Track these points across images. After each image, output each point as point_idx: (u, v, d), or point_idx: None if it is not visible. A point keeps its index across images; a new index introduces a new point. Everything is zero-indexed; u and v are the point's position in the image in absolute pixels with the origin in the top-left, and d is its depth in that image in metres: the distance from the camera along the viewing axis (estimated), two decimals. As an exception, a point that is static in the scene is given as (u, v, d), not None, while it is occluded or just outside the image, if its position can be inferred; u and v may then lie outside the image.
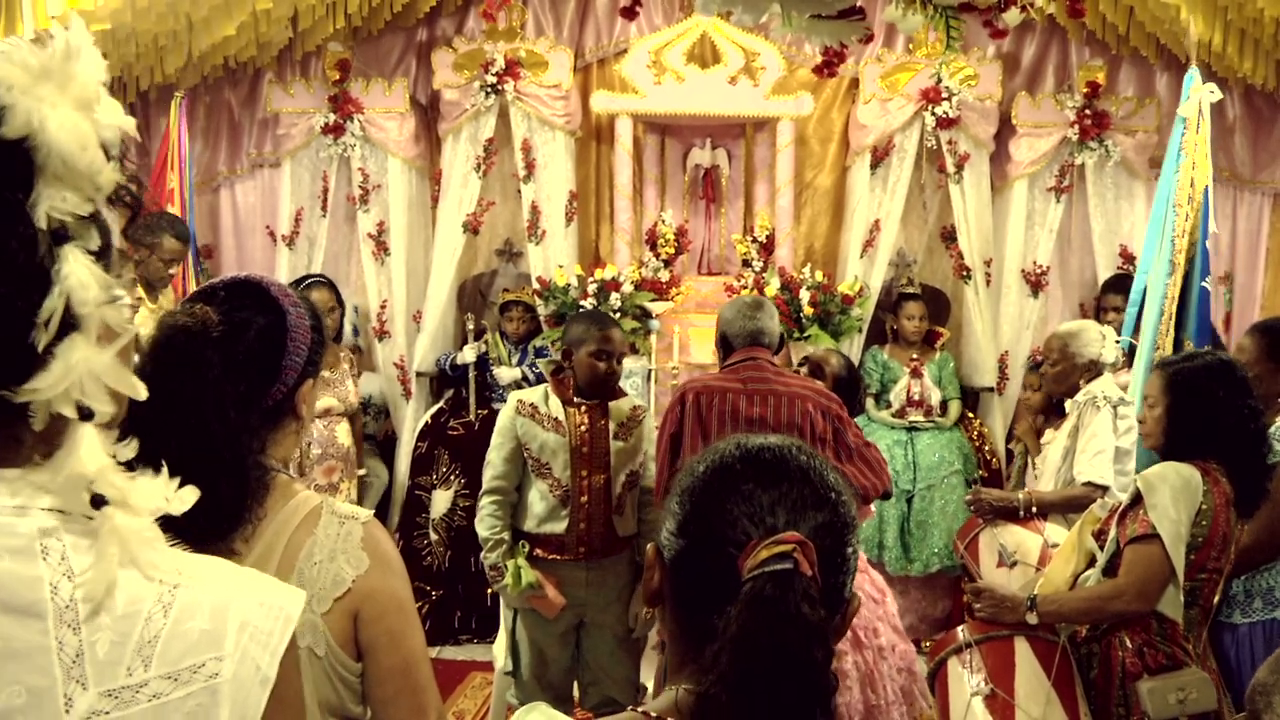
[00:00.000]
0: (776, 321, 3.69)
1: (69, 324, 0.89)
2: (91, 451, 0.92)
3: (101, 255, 0.92)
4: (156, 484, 0.97)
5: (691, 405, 3.54)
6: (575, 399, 3.82)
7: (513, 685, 3.95)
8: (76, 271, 0.89)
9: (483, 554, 3.82)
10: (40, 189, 0.87)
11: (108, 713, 0.88)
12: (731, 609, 1.04)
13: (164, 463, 0.99)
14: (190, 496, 0.98)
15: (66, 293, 0.88)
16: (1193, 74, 4.24)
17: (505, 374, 6.00)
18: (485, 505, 3.83)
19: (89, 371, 0.89)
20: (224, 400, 1.55)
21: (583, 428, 3.77)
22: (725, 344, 3.71)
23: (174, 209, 5.71)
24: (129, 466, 0.98)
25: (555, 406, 3.80)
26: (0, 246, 0.85)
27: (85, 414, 0.91)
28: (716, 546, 1.11)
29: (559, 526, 3.75)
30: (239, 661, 0.93)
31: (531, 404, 3.83)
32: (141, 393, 0.94)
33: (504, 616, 3.99)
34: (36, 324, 0.87)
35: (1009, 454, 5.98)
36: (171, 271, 5.07)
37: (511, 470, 3.82)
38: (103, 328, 0.91)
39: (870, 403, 6.14)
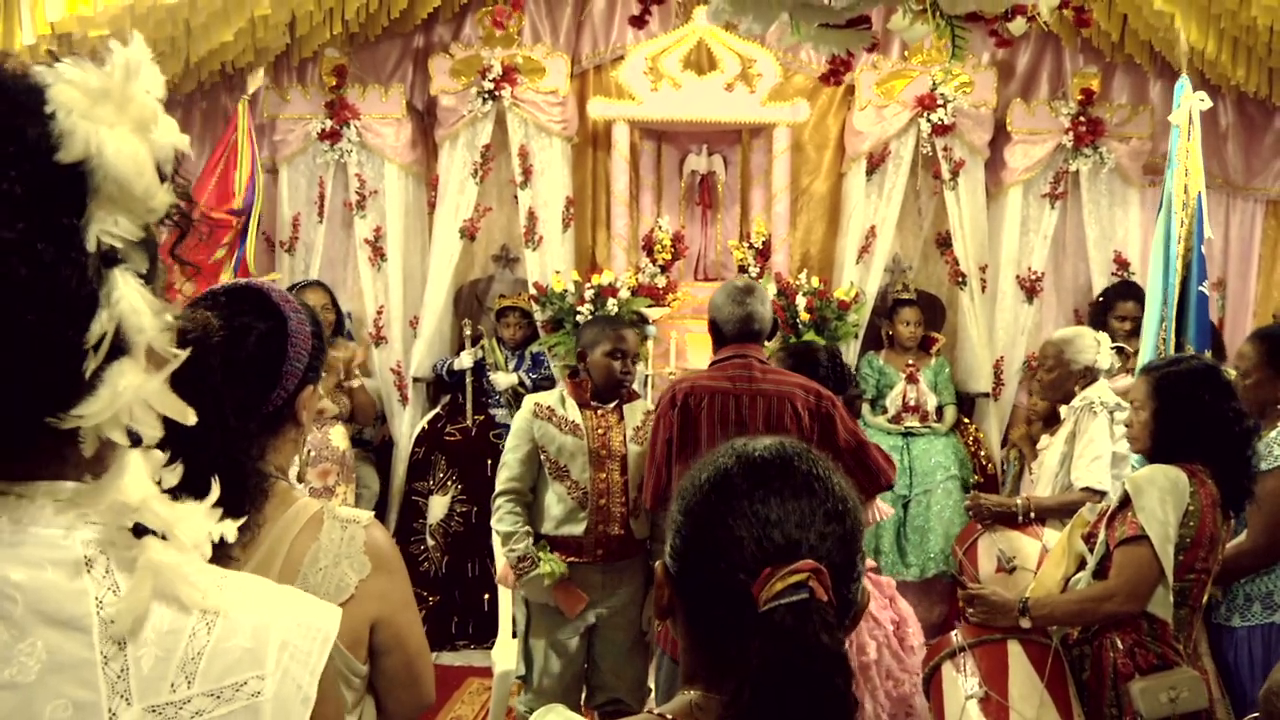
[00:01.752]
0: (769, 306, 3.55)
1: (117, 349, 0.88)
2: (136, 479, 0.92)
3: (149, 278, 0.91)
4: (199, 513, 0.97)
5: (681, 407, 3.45)
6: (592, 402, 3.84)
7: (520, 692, 3.96)
8: (128, 296, 0.87)
9: (507, 549, 3.83)
10: (93, 211, 0.86)
11: None
12: (750, 640, 1.04)
13: (208, 485, 0.99)
14: (233, 529, 0.99)
15: (117, 317, 0.87)
16: (1183, 82, 4.27)
17: (502, 380, 6.01)
18: (502, 504, 3.86)
19: (137, 397, 0.89)
20: (223, 406, 1.56)
21: (600, 430, 3.81)
22: (716, 331, 3.57)
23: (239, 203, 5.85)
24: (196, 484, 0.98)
25: (572, 409, 3.85)
26: (52, 272, 0.83)
27: (135, 440, 0.90)
28: (724, 568, 1.10)
29: (577, 529, 3.78)
30: (280, 680, 0.94)
31: (548, 407, 3.86)
32: (191, 418, 0.93)
33: (518, 619, 4.00)
34: (85, 349, 0.85)
35: (1004, 460, 5.99)
36: None
37: (527, 472, 3.85)
38: (149, 352, 0.91)
39: (866, 408, 6.15)
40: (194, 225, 0.97)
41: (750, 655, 1.03)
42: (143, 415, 0.90)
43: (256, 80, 6.04)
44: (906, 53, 6.32)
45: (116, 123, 0.88)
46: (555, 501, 3.82)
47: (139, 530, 0.92)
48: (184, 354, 0.94)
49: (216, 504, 1.55)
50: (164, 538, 0.93)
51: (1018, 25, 2.27)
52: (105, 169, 0.86)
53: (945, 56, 2.31)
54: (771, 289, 5.98)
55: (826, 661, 1.02)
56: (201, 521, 0.96)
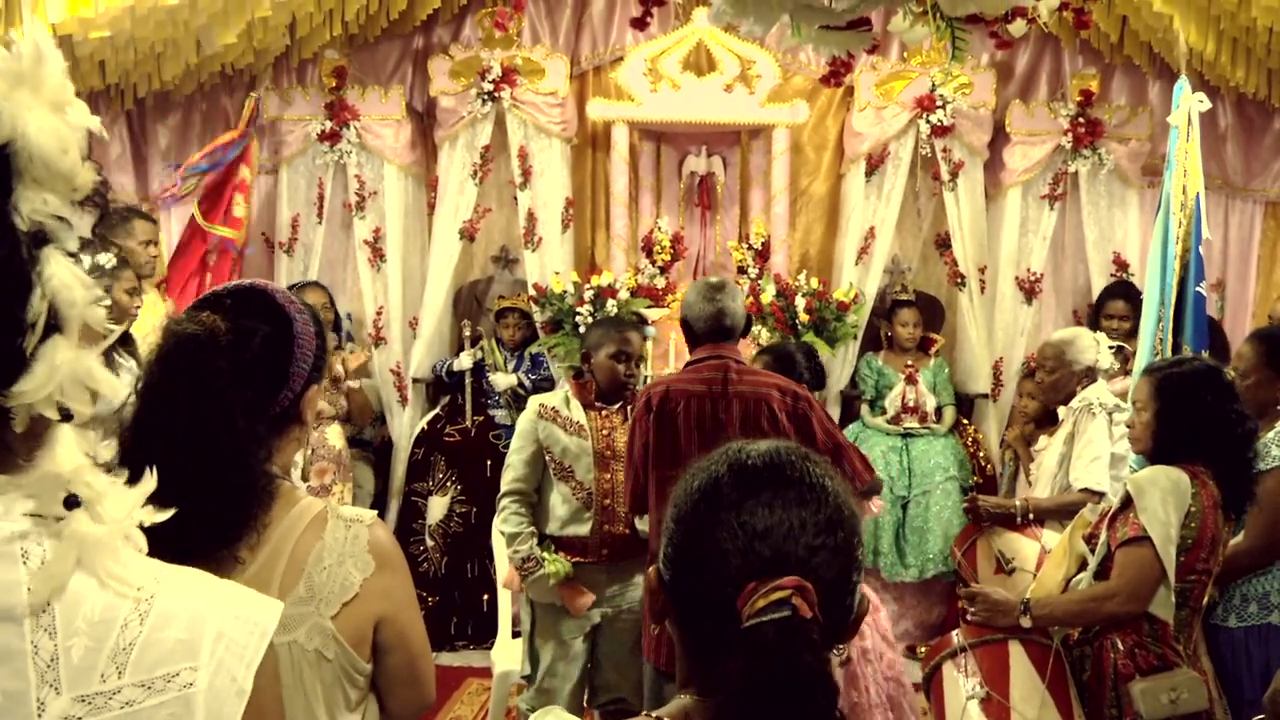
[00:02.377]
0: (740, 302, 3.47)
1: (51, 326, 0.89)
2: (69, 451, 0.92)
3: (76, 256, 0.93)
4: (131, 494, 0.96)
5: (656, 412, 3.38)
6: (596, 403, 3.85)
7: (522, 691, 3.97)
8: (59, 273, 0.89)
9: (512, 550, 3.84)
10: (20, 192, 0.88)
11: (80, 718, 0.88)
12: (732, 657, 1.03)
13: (150, 473, 0.99)
14: (159, 516, 0.98)
15: (50, 294, 0.88)
16: (1182, 83, 4.28)
17: (501, 380, 6.01)
18: (507, 505, 3.88)
19: (71, 373, 0.90)
20: (232, 408, 1.56)
21: (604, 431, 3.82)
22: (689, 330, 3.50)
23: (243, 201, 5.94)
24: (135, 475, 0.98)
25: (577, 410, 3.86)
26: None
27: (65, 415, 0.91)
28: (710, 580, 1.09)
29: (583, 529, 3.79)
30: (214, 672, 0.93)
31: (553, 408, 3.88)
32: (120, 392, 0.95)
33: (523, 619, 4.01)
34: (23, 327, 0.87)
35: (1001, 461, 6.00)
36: (152, 254, 5.09)
37: (531, 473, 3.87)
38: (83, 329, 0.92)
39: (865, 409, 6.17)
40: (109, 205, 0.98)
41: (733, 670, 1.02)
42: (75, 391, 0.91)
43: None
44: (906, 54, 6.33)
45: (34, 105, 0.89)
46: (560, 502, 3.84)
47: (70, 503, 0.92)
48: (118, 330, 0.95)
49: (218, 504, 1.56)
50: (90, 514, 0.93)
51: (1018, 27, 2.27)
52: (30, 149, 0.87)
53: (944, 58, 2.31)
54: (771, 290, 5.99)
55: (809, 679, 1.01)
56: (129, 501, 0.96)
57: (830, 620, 1.08)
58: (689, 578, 1.13)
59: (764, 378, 3.41)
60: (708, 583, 1.09)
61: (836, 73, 2.63)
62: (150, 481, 0.98)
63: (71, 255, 0.91)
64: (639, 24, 2.61)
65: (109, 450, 0.98)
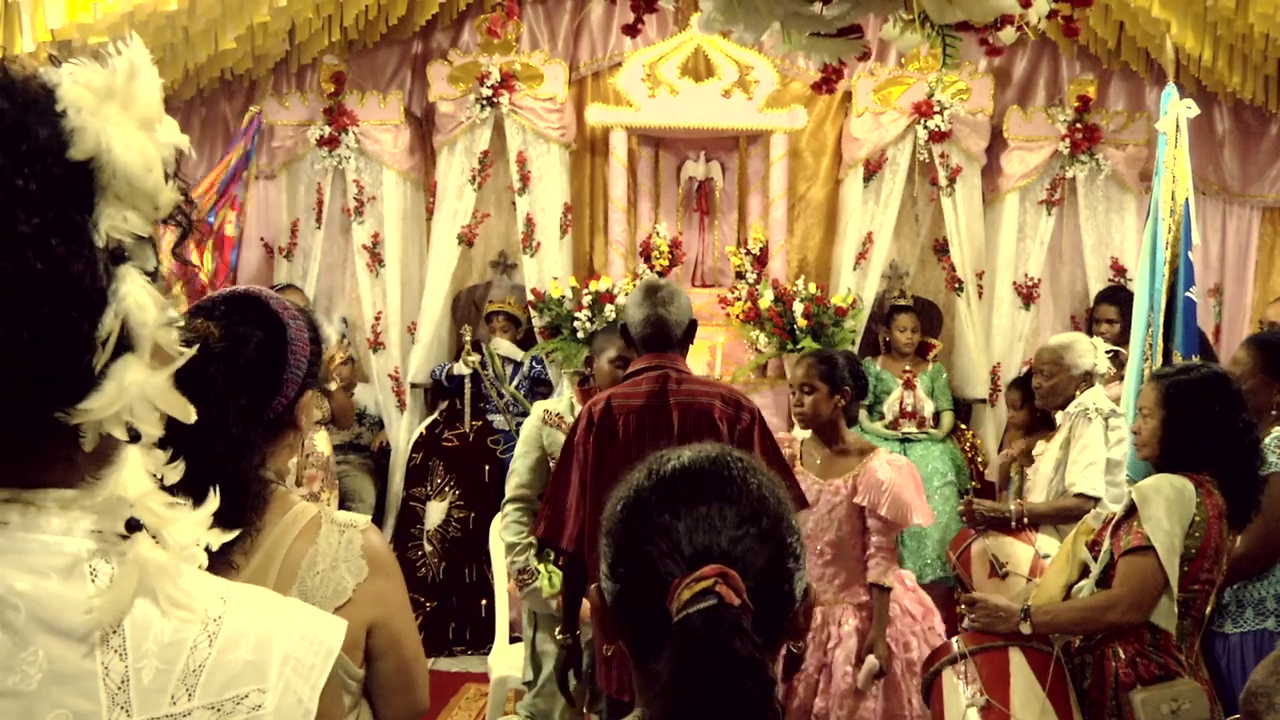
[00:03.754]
0: (682, 307, 3.20)
1: (123, 345, 0.88)
2: (135, 475, 0.92)
3: (155, 276, 0.92)
4: (194, 517, 0.96)
5: (598, 427, 3.17)
6: None
7: (522, 697, 3.97)
8: (134, 292, 0.88)
9: (509, 559, 3.85)
10: (102, 209, 0.87)
11: None
12: (664, 655, 1.01)
13: (214, 493, 0.99)
14: (225, 537, 0.98)
15: (124, 313, 0.87)
16: (1170, 90, 4.29)
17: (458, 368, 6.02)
18: (510, 512, 3.88)
19: (141, 393, 0.89)
20: (226, 415, 1.57)
21: None
22: (628, 338, 3.30)
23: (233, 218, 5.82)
24: (197, 495, 0.97)
25: None
26: (64, 268, 0.84)
27: (134, 436, 0.90)
28: (645, 590, 1.07)
29: None
30: (281, 694, 0.93)
31: (557, 414, 3.89)
32: (191, 416, 0.93)
33: (525, 625, 4.01)
34: (94, 344, 0.86)
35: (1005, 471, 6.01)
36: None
37: (536, 479, 3.86)
38: (154, 349, 0.91)
39: (863, 414, 6.17)
40: (195, 226, 0.98)
41: (663, 666, 1.01)
42: (144, 412, 0.90)
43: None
44: (904, 60, 6.34)
45: (122, 121, 0.88)
46: None
47: (132, 525, 0.92)
48: (190, 352, 0.94)
49: (220, 514, 1.56)
50: (155, 538, 0.92)
51: (1008, 34, 2.28)
52: (114, 166, 0.87)
53: (952, 63, 2.32)
54: (769, 295, 6.00)
55: (738, 667, 0.99)
56: (194, 526, 0.96)
57: (768, 610, 1.07)
58: (627, 591, 1.12)
59: (705, 387, 3.23)
60: (642, 592, 1.08)
61: (828, 79, 2.63)
62: (214, 501, 0.98)
63: (149, 275, 0.91)
64: (630, 30, 2.61)
65: (176, 472, 0.97)
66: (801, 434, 3.89)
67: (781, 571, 1.11)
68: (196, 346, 1.59)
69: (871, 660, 3.50)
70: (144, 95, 0.91)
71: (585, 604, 3.62)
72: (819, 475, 3.64)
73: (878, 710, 3.51)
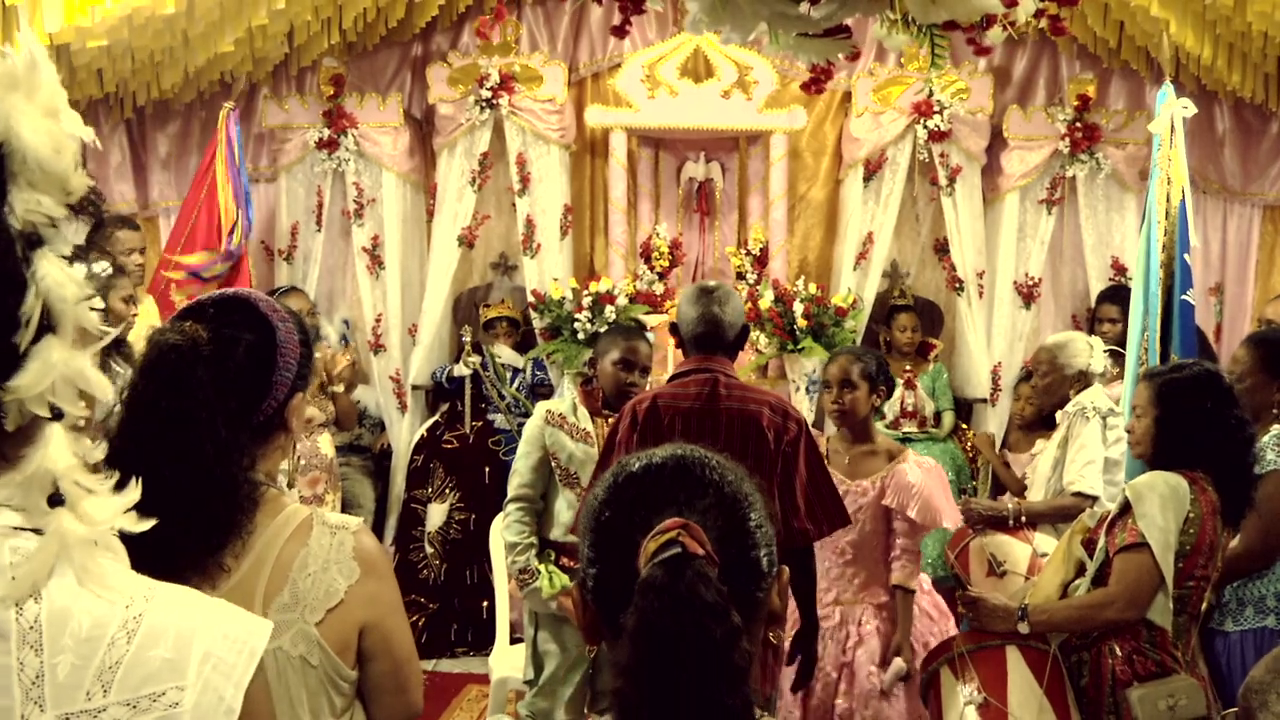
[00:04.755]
0: (735, 310, 3.19)
1: (45, 326, 0.90)
2: (59, 450, 0.93)
3: (72, 260, 0.94)
4: (116, 500, 0.97)
5: (642, 426, 3.13)
6: (603, 410, 3.87)
7: (523, 697, 3.97)
8: (52, 273, 0.90)
9: (510, 559, 3.87)
10: (15, 193, 0.89)
11: None
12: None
13: (135, 482, 0.99)
14: (140, 525, 0.98)
15: (44, 294, 0.89)
16: (1165, 90, 4.27)
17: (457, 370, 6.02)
18: (511, 512, 3.89)
19: (64, 373, 0.90)
20: (215, 418, 1.57)
21: None
22: (678, 336, 3.29)
23: (226, 216, 5.76)
24: (121, 484, 0.98)
25: (584, 418, 3.88)
26: None
27: (56, 414, 0.91)
28: (623, 570, 1.08)
29: None
30: (201, 691, 0.93)
31: (560, 414, 3.89)
32: (109, 393, 0.95)
33: (526, 625, 4.02)
34: (17, 324, 0.88)
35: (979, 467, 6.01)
36: (138, 262, 5.08)
37: (538, 479, 3.88)
38: (77, 330, 0.93)
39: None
40: (104, 214, 0.99)
41: (629, 618, 1.02)
42: (66, 391, 0.91)
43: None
44: (902, 59, 6.34)
45: (28, 109, 0.90)
46: (565, 508, 3.86)
47: (54, 502, 0.92)
48: (113, 332, 0.96)
49: (203, 512, 1.57)
50: (75, 514, 0.93)
51: (995, 34, 2.28)
52: (24, 151, 0.89)
53: (941, 62, 2.32)
54: (769, 296, 5.99)
55: (703, 613, 0.99)
56: (112, 507, 0.96)
57: (734, 569, 1.08)
58: (606, 575, 1.14)
59: (755, 394, 3.18)
60: (621, 573, 1.09)
61: (817, 80, 2.64)
62: (135, 490, 0.98)
63: (65, 258, 0.92)
64: (619, 31, 2.61)
65: (100, 452, 0.98)
66: (828, 430, 3.89)
67: (744, 533, 1.13)
68: (179, 356, 1.59)
69: (899, 663, 3.51)
70: (46, 85, 0.92)
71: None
72: (845, 474, 3.65)
73: (902, 711, 3.52)
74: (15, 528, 0.91)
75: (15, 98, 0.89)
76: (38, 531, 0.92)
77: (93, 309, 0.94)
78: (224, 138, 5.84)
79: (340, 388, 5.59)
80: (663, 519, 1.07)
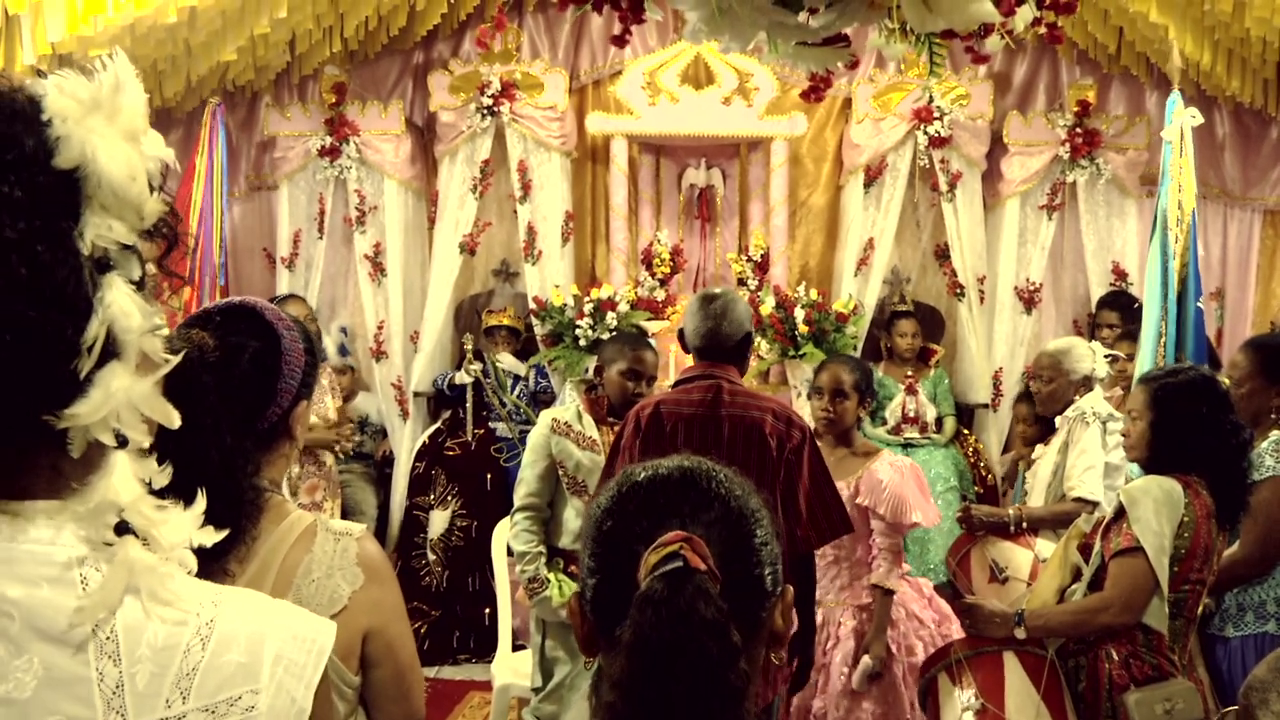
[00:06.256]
0: (740, 317, 3.17)
1: (109, 352, 0.90)
2: (124, 480, 0.93)
3: (140, 285, 0.94)
4: (185, 518, 0.98)
5: (645, 432, 3.14)
6: (608, 418, 3.88)
7: (532, 700, 3.98)
8: (119, 300, 0.90)
9: (519, 568, 3.87)
10: (88, 217, 0.89)
11: None
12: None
13: (201, 493, 1.00)
14: (216, 536, 1.00)
15: (109, 320, 0.89)
16: (1175, 98, 4.29)
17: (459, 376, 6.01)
18: (519, 521, 3.90)
19: (127, 400, 0.91)
20: (220, 425, 1.58)
21: None
22: (683, 342, 3.28)
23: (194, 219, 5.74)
24: (186, 497, 0.99)
25: (589, 425, 3.90)
26: (49, 274, 0.86)
27: (121, 442, 0.92)
28: (623, 582, 1.07)
29: None
30: (274, 694, 0.95)
31: (565, 422, 3.91)
32: (176, 421, 0.95)
33: (533, 634, 4.03)
34: (79, 350, 0.88)
35: (1013, 468, 6.01)
36: (153, 272, 5.06)
37: (544, 488, 3.89)
38: (140, 356, 0.93)
39: (865, 420, 6.16)
40: (180, 238, 1.00)
41: (625, 631, 1.00)
42: (131, 418, 0.92)
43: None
44: (903, 66, 6.35)
45: (107, 132, 0.90)
46: (573, 516, 3.86)
47: (120, 529, 0.93)
48: (175, 359, 0.96)
49: (208, 519, 1.58)
50: (144, 541, 0.94)
51: (993, 42, 2.29)
52: (99, 175, 0.89)
53: (939, 70, 2.32)
54: (770, 302, 6.00)
55: (701, 629, 0.97)
56: (184, 526, 0.98)
57: (737, 587, 1.06)
58: (606, 586, 1.13)
59: (758, 401, 3.16)
60: (615, 577, 1.08)
61: (816, 88, 2.65)
62: (202, 502, 1.00)
63: (134, 284, 0.92)
64: (619, 41, 2.62)
65: (166, 476, 0.98)
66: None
67: (747, 550, 1.11)
68: (184, 354, 1.61)
69: (866, 660, 3.52)
70: (129, 108, 0.92)
71: None
72: None
73: (875, 712, 3.52)
74: (81, 558, 0.91)
75: (96, 120, 0.90)
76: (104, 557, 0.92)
77: (158, 335, 0.94)
78: (206, 134, 5.84)
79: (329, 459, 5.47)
80: (665, 531, 1.06)
